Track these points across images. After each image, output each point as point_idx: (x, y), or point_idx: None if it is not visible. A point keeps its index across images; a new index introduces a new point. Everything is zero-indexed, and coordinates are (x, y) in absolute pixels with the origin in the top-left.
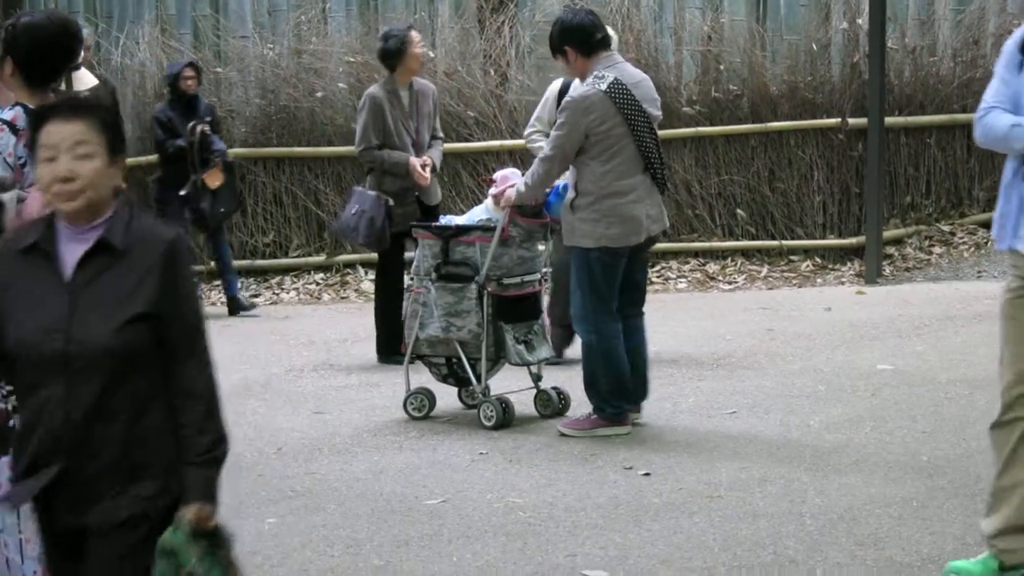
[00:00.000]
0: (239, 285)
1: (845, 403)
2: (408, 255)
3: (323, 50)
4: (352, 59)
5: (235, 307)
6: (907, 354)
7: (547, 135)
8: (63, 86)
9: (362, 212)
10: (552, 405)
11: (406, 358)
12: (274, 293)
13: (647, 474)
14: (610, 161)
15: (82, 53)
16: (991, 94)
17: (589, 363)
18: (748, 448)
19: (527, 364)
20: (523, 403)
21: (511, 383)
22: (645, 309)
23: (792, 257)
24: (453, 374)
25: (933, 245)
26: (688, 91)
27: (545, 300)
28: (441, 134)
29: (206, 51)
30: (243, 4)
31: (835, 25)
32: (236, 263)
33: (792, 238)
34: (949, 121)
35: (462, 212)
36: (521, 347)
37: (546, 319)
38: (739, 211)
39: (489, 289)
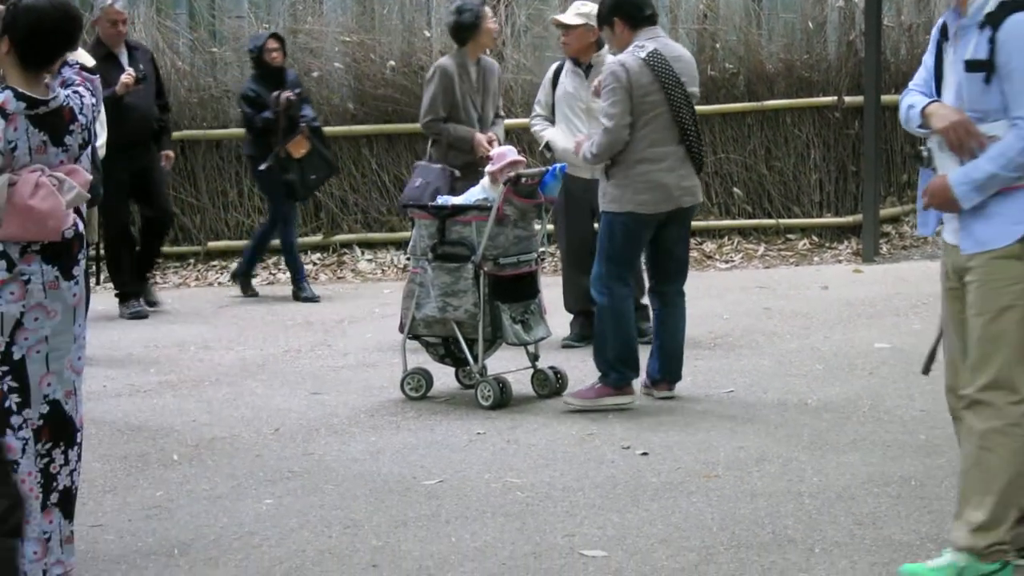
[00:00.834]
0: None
1: (843, 382)
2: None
3: (319, 30)
4: (348, 39)
5: (300, 294)
6: (904, 333)
7: (546, 118)
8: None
9: (426, 184)
10: (549, 385)
11: (403, 338)
12: (271, 273)
13: (645, 454)
14: (644, 128)
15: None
16: (914, 77)
17: (600, 325)
18: (746, 427)
19: (524, 344)
20: (520, 383)
21: (508, 363)
22: None
23: (789, 236)
24: (450, 354)
25: None
26: None
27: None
28: (503, 112)
29: (202, 31)
30: None
31: (831, 3)
32: (231, 244)
33: (789, 217)
34: None
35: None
36: (518, 327)
37: (543, 300)
38: (736, 190)
39: (485, 269)
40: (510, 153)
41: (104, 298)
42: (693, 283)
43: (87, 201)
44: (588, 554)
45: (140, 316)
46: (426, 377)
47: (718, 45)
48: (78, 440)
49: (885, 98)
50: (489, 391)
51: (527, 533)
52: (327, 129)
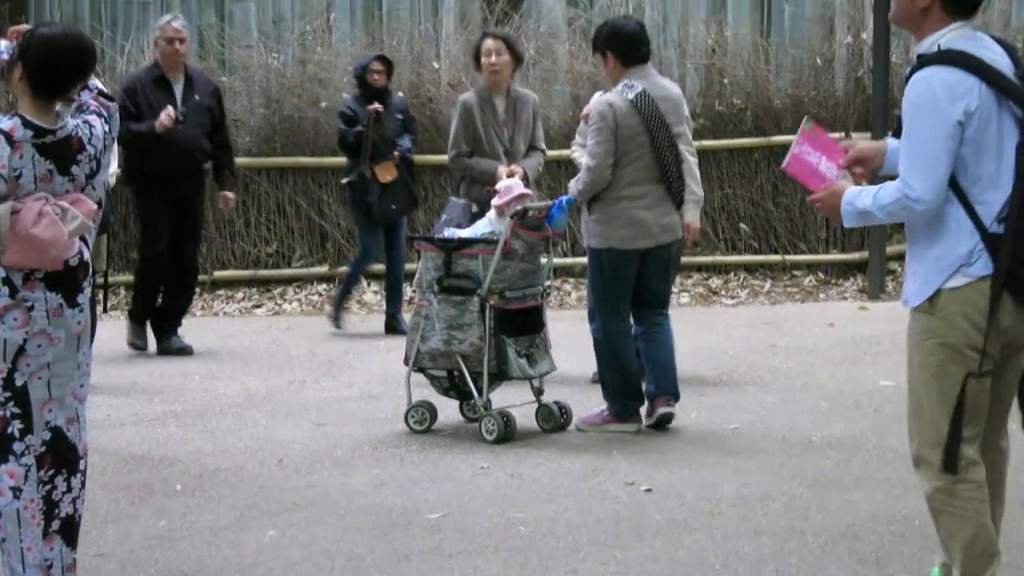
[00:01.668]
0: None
1: (847, 420)
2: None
3: (328, 60)
4: None
5: (394, 326)
6: None
7: (583, 144)
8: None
9: (449, 220)
10: (554, 419)
11: (407, 371)
12: (276, 304)
13: (649, 490)
14: (627, 167)
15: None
16: None
17: (599, 360)
18: (750, 464)
19: (529, 378)
20: (525, 417)
21: (513, 397)
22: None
23: (795, 272)
24: (455, 387)
25: None
26: (692, 104)
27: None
28: (542, 145)
29: (211, 60)
30: (248, 13)
31: (839, 39)
32: (238, 273)
33: (795, 253)
34: None
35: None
36: (523, 361)
37: (548, 333)
38: (742, 225)
39: (491, 302)
40: (517, 187)
41: (109, 326)
42: (699, 319)
43: (95, 229)
44: None
45: (185, 352)
46: (430, 410)
47: (726, 80)
48: (81, 467)
49: None
50: (493, 425)
51: (530, 568)
52: (333, 159)
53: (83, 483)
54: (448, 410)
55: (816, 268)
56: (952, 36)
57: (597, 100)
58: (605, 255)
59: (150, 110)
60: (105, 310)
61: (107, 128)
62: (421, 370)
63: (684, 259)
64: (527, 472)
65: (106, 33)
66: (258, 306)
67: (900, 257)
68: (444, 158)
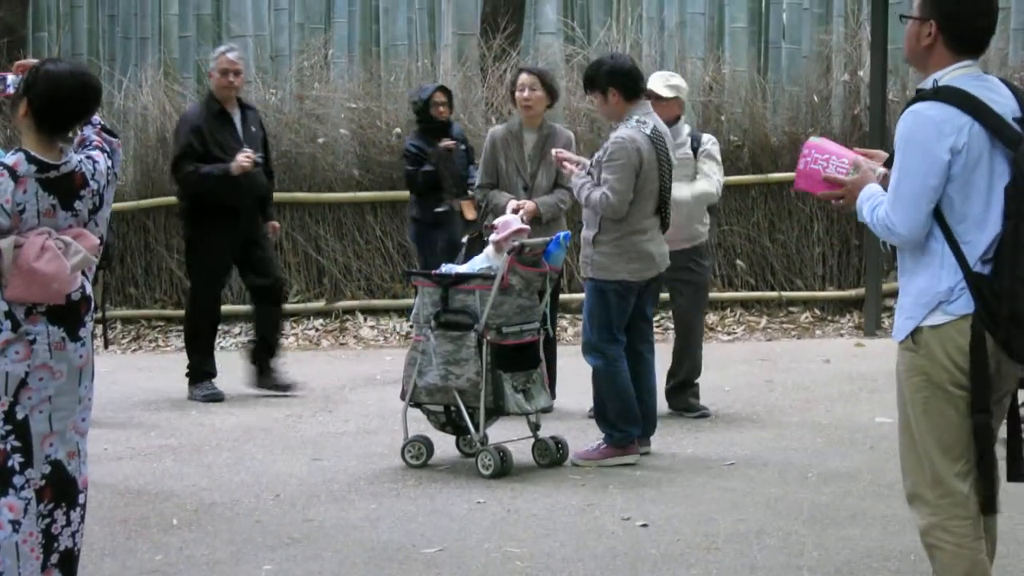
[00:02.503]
0: None
1: (843, 455)
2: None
3: (325, 96)
4: (354, 105)
5: None
6: None
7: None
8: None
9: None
10: (550, 455)
11: (404, 406)
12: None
13: (645, 525)
14: (639, 202)
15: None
16: None
17: (598, 390)
18: (746, 500)
19: (525, 413)
20: (521, 452)
21: (509, 432)
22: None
23: (791, 308)
24: (451, 422)
25: None
26: None
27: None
28: (569, 184)
29: None
30: (246, 49)
31: (836, 77)
32: (235, 308)
33: (791, 289)
34: None
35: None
36: (520, 396)
37: (544, 369)
38: (739, 262)
39: (488, 338)
40: (514, 222)
41: (108, 360)
42: None
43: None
44: None
45: (215, 399)
46: (427, 445)
47: (723, 117)
48: (81, 501)
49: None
50: (490, 460)
51: None
52: (330, 195)
53: (83, 517)
54: (444, 445)
55: (812, 304)
56: (956, 75)
57: (619, 138)
58: (613, 287)
59: (218, 147)
60: (106, 346)
61: (110, 163)
62: (418, 405)
63: None
64: (523, 507)
65: (104, 68)
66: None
67: (896, 294)
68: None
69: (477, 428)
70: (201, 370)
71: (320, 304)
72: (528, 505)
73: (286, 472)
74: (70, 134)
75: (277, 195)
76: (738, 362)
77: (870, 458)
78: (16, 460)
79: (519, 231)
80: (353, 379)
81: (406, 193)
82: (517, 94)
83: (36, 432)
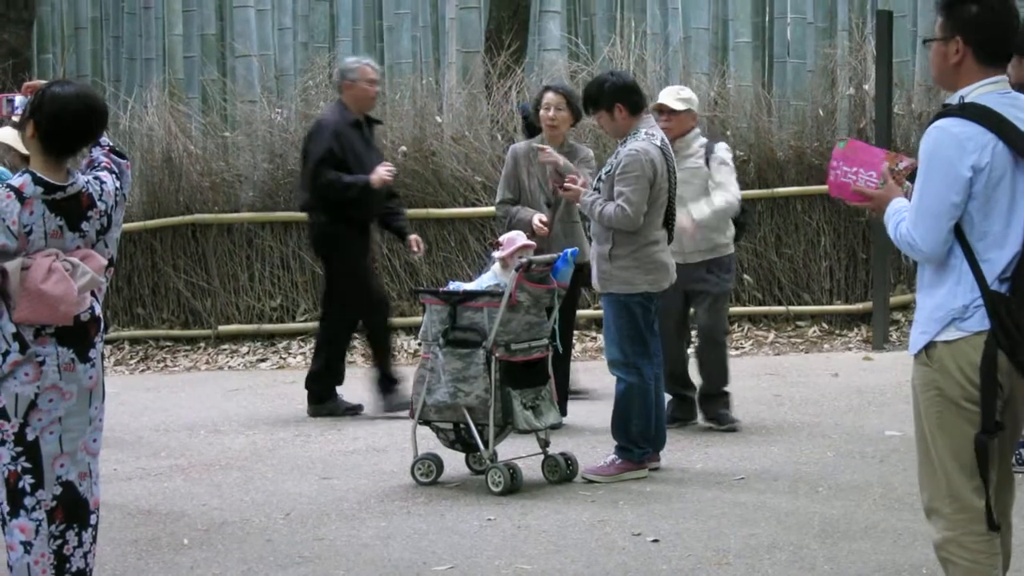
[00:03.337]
0: None
1: (853, 469)
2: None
3: None
4: None
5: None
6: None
7: None
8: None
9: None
10: (560, 471)
11: (413, 424)
12: (281, 357)
13: (656, 540)
14: (653, 214)
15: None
16: None
17: (625, 405)
18: (757, 515)
19: (535, 430)
20: (531, 469)
21: (519, 449)
22: None
23: (799, 323)
24: (461, 440)
25: None
26: None
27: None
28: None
29: (214, 115)
30: (251, 68)
31: (841, 91)
32: (242, 327)
33: (799, 304)
34: None
35: (470, 278)
36: (529, 413)
37: (552, 386)
38: (746, 276)
39: (497, 355)
40: (519, 238)
41: (114, 381)
42: None
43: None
44: None
45: (354, 411)
46: (436, 462)
47: (729, 132)
48: (92, 522)
49: None
50: (500, 477)
51: None
52: None
53: (94, 537)
54: (454, 462)
55: (820, 319)
56: (983, 91)
57: (632, 151)
58: (636, 299)
59: (353, 157)
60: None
61: (118, 184)
62: (427, 423)
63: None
64: (534, 523)
65: (109, 89)
66: (263, 360)
67: (904, 307)
68: (447, 212)
69: (486, 445)
70: (331, 385)
71: None
72: (538, 522)
73: (296, 491)
74: (78, 155)
75: (283, 215)
76: (746, 376)
77: (880, 471)
78: (27, 481)
79: (524, 247)
80: (361, 397)
81: (413, 211)
82: (542, 112)
83: (47, 453)
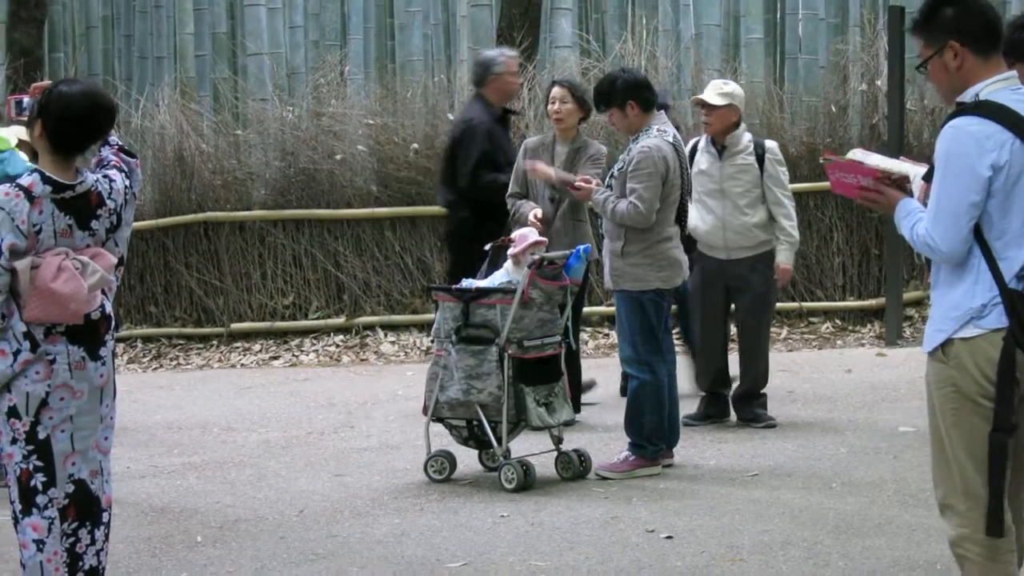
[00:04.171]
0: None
1: (867, 465)
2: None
3: (342, 112)
4: (371, 122)
5: None
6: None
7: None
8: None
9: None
10: (573, 467)
11: (426, 421)
12: (293, 355)
13: (669, 537)
14: (665, 210)
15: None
16: None
17: (638, 402)
18: (770, 511)
19: (548, 427)
20: (544, 465)
21: (532, 446)
22: None
23: (812, 319)
24: (474, 437)
25: None
26: None
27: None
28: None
29: (226, 113)
30: (262, 67)
31: (854, 87)
32: (255, 325)
33: (812, 300)
34: None
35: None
36: (542, 409)
37: (565, 382)
38: None
39: (510, 352)
40: (531, 235)
41: (127, 379)
42: None
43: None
44: None
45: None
46: (449, 459)
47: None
48: (105, 520)
49: None
50: (513, 473)
51: None
52: (349, 212)
53: (107, 535)
54: (467, 459)
55: (833, 315)
56: (996, 87)
57: (644, 148)
58: (649, 296)
59: (504, 157)
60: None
61: (128, 183)
62: (440, 420)
63: None
64: (547, 520)
65: (120, 88)
66: (275, 357)
67: (917, 303)
68: None
69: (500, 442)
70: None
71: (340, 320)
72: (552, 518)
73: (309, 488)
74: (87, 154)
75: (295, 212)
76: None
77: (894, 467)
78: (39, 480)
79: (536, 243)
80: (374, 395)
81: (425, 208)
82: (549, 107)
83: (58, 451)
